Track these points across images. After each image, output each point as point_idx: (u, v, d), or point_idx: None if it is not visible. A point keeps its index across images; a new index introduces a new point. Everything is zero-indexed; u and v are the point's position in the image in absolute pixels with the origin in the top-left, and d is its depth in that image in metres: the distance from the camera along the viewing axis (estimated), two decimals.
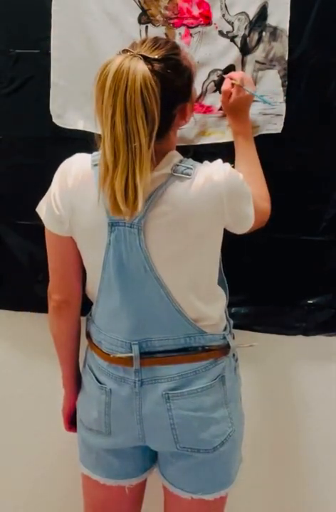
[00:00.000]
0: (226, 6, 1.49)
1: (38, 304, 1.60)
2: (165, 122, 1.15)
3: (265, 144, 1.51)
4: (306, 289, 1.62)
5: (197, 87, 1.53)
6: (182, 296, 1.24)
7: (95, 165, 1.20)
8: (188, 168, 1.19)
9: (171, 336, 1.26)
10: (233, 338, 1.39)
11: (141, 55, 1.10)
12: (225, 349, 1.32)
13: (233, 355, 1.37)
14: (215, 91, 1.53)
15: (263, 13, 1.49)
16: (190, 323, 1.26)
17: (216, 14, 1.50)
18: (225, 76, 1.48)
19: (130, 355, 1.26)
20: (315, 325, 1.64)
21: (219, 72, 1.52)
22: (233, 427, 1.31)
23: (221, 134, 1.55)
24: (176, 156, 1.23)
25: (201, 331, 1.27)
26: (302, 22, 1.48)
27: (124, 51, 1.12)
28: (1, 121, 1.64)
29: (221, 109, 1.54)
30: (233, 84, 1.43)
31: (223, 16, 1.50)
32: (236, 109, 1.45)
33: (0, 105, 1.63)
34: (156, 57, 1.12)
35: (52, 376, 1.52)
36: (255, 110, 1.52)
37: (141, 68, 1.07)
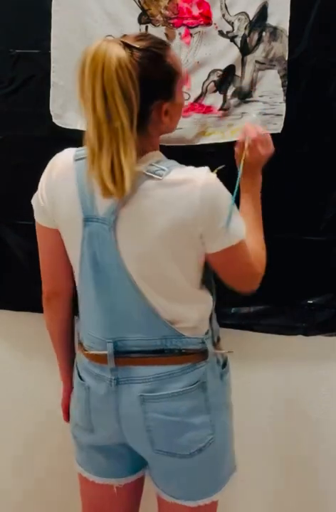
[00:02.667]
0: (226, 6, 1.49)
1: (38, 304, 1.60)
2: (142, 114, 1.13)
3: None
4: (306, 289, 1.62)
5: (197, 87, 1.54)
6: (154, 297, 1.21)
7: (77, 160, 1.21)
8: (161, 169, 1.15)
9: (146, 337, 1.23)
10: (215, 343, 1.32)
11: (122, 41, 1.11)
12: (203, 354, 1.26)
13: (218, 361, 1.31)
14: (215, 91, 1.53)
15: (263, 13, 1.49)
16: (165, 325, 1.23)
17: (216, 14, 1.50)
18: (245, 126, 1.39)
19: (105, 353, 1.25)
20: (315, 325, 1.64)
21: (219, 73, 1.52)
22: (214, 434, 1.26)
23: (220, 134, 1.55)
24: (155, 157, 1.20)
25: (178, 334, 1.24)
26: (302, 22, 1.48)
27: (108, 36, 1.15)
28: (1, 121, 1.65)
29: (221, 108, 1.53)
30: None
31: (223, 16, 1.50)
32: (250, 167, 1.35)
33: (0, 105, 1.63)
34: (138, 46, 1.11)
35: (52, 376, 1.52)
36: (255, 110, 1.53)
37: (117, 51, 1.08)
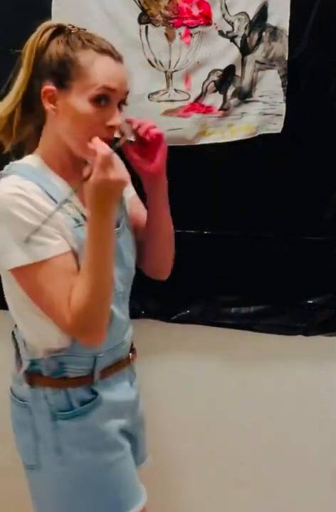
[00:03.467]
0: (226, 6, 1.49)
1: None
2: (31, 91, 1.14)
3: (265, 144, 1.52)
4: (306, 289, 1.62)
5: (197, 87, 1.53)
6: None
7: None
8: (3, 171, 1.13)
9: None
10: (40, 374, 1.17)
11: (60, 25, 1.14)
12: (24, 373, 1.19)
13: (46, 397, 1.17)
14: (215, 91, 1.53)
15: (263, 13, 1.49)
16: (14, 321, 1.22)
17: (216, 14, 1.50)
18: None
19: None
20: (315, 325, 1.64)
21: (219, 73, 1.52)
22: (37, 464, 1.19)
23: (220, 134, 1.55)
24: (26, 159, 1.16)
25: (22, 337, 1.20)
26: (302, 22, 1.48)
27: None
28: None
29: (221, 108, 1.53)
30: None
31: (223, 16, 1.50)
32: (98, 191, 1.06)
33: None
34: (73, 31, 1.13)
35: None
36: (255, 110, 1.53)
37: (43, 26, 1.13)
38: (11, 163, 1.14)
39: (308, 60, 1.50)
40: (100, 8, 1.52)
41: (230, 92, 1.53)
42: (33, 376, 1.18)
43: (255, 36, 1.50)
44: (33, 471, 1.21)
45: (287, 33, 1.49)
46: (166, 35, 1.52)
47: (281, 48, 1.50)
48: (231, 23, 1.50)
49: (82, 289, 1.06)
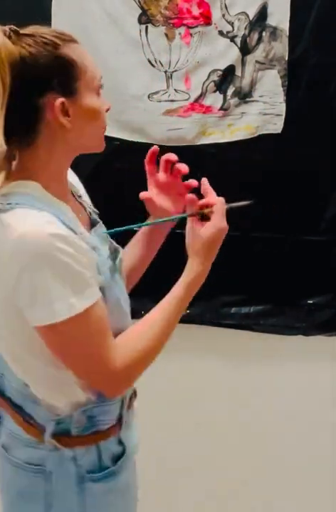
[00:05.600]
0: (226, 6, 1.49)
1: None
2: (26, 111, 0.92)
3: (265, 144, 1.52)
4: (306, 289, 1.63)
5: (197, 87, 1.54)
6: (2, 352, 1.01)
7: None
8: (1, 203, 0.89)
9: (13, 385, 1.02)
10: (68, 434, 0.99)
11: (11, 29, 0.92)
12: (42, 434, 0.99)
13: (75, 458, 1.00)
14: (215, 91, 1.53)
15: (263, 13, 1.49)
16: (20, 382, 1.00)
17: (216, 14, 1.50)
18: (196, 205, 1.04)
19: None
20: (315, 325, 1.64)
21: (219, 73, 1.52)
22: None
23: (220, 134, 1.55)
24: (20, 187, 0.92)
25: (33, 399, 0.99)
26: (302, 22, 1.48)
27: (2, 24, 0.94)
28: None
29: (221, 108, 1.53)
30: (204, 217, 1.03)
31: (223, 16, 1.50)
32: (210, 248, 1.04)
33: None
34: (28, 32, 0.93)
35: None
36: (255, 110, 1.53)
37: None
38: (2, 195, 0.90)
39: (308, 60, 1.50)
40: (100, 8, 1.52)
41: (230, 92, 1.53)
42: (59, 438, 1.00)
43: (255, 36, 1.50)
44: None
45: (287, 33, 1.49)
46: (166, 35, 1.52)
47: (281, 48, 1.50)
48: (231, 23, 1.50)
49: (149, 338, 0.96)
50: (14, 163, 0.95)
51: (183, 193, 1.10)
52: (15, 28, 0.92)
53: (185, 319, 1.66)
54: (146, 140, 1.57)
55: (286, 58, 1.50)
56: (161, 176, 1.14)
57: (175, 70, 1.53)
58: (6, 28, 0.92)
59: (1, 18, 1.64)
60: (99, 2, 1.52)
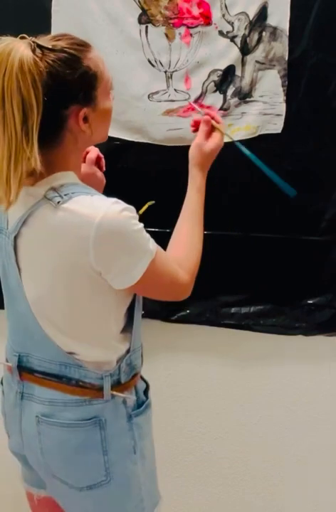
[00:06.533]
0: (226, 6, 1.49)
1: None
2: (54, 122, 1.05)
3: (265, 144, 1.52)
4: (306, 289, 1.62)
5: (197, 87, 1.54)
6: (49, 327, 1.14)
7: None
8: (59, 196, 1.04)
9: (47, 358, 1.16)
10: (120, 383, 1.18)
11: (34, 41, 1.02)
12: (100, 391, 1.16)
13: (124, 401, 1.18)
14: (215, 91, 1.53)
15: (263, 13, 1.49)
16: (63, 353, 1.15)
17: (216, 14, 1.50)
18: (199, 111, 1.33)
19: (9, 365, 1.21)
20: (315, 325, 1.64)
21: (219, 73, 1.52)
22: (109, 477, 1.16)
23: None
24: (63, 178, 1.09)
25: (77, 364, 1.15)
26: (302, 22, 1.48)
27: (22, 37, 1.03)
28: None
29: (221, 108, 1.53)
30: (213, 128, 1.28)
31: (223, 16, 1.50)
32: (210, 160, 1.28)
33: None
34: (50, 46, 1.03)
35: None
36: (255, 110, 1.53)
37: (22, 51, 0.98)
38: (54, 188, 1.06)
39: (308, 60, 1.50)
40: (100, 8, 1.52)
41: (230, 92, 1.53)
42: (114, 388, 1.17)
43: (255, 36, 1.50)
44: (100, 489, 1.17)
45: (287, 33, 1.49)
46: (166, 35, 1.52)
47: (281, 47, 1.50)
48: (231, 23, 1.50)
49: (194, 243, 1.20)
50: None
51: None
52: (36, 41, 1.02)
53: (185, 319, 1.68)
54: (146, 140, 1.57)
55: (286, 58, 1.50)
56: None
57: (175, 70, 1.54)
58: (30, 40, 1.01)
59: (1, 18, 1.65)
60: (99, 2, 1.52)
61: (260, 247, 1.59)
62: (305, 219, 1.58)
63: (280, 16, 1.48)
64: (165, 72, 1.54)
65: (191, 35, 1.51)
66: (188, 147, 1.54)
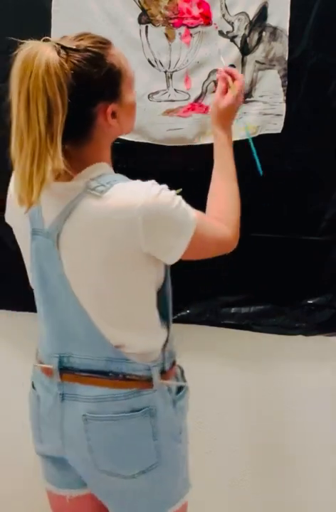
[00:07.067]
0: (226, 6, 1.49)
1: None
2: (82, 120, 1.09)
3: (265, 144, 1.52)
4: (306, 289, 1.63)
5: (197, 87, 1.54)
6: (98, 320, 1.16)
7: None
8: (101, 185, 1.08)
9: (92, 356, 1.19)
10: (165, 371, 1.24)
11: (58, 43, 1.04)
12: (149, 381, 1.20)
13: (170, 389, 1.24)
14: (215, 91, 1.53)
15: (263, 13, 1.49)
16: (110, 347, 1.17)
17: (216, 14, 1.50)
18: (223, 69, 1.36)
19: (50, 367, 1.22)
20: (315, 325, 1.64)
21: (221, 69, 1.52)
22: (159, 459, 1.21)
23: None
24: (98, 169, 1.13)
25: (124, 358, 1.18)
26: (302, 22, 1.48)
27: (46, 40, 1.05)
28: (0, 121, 1.64)
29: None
30: (227, 87, 1.33)
31: (223, 15, 1.50)
32: (228, 117, 1.33)
33: (0, 105, 1.63)
34: (74, 47, 1.05)
35: None
36: (255, 110, 1.53)
37: (48, 53, 1.01)
38: (94, 179, 1.09)
39: (308, 60, 1.50)
40: (100, 8, 1.52)
41: None
42: (162, 376, 1.22)
43: (255, 36, 1.50)
44: (151, 472, 1.22)
45: (287, 33, 1.49)
46: (166, 35, 1.52)
47: (281, 47, 1.50)
48: (231, 23, 1.50)
49: (230, 195, 1.26)
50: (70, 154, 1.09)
51: None
52: (61, 43, 1.04)
53: (185, 319, 1.68)
54: (146, 140, 1.57)
55: (286, 58, 1.50)
56: None
57: (175, 70, 1.54)
58: (55, 43, 1.04)
59: (1, 18, 1.65)
60: (99, 2, 1.52)
61: (260, 247, 1.59)
62: (305, 219, 1.58)
63: (280, 16, 1.48)
64: (165, 72, 1.54)
65: (191, 35, 1.51)
66: (188, 147, 1.55)
